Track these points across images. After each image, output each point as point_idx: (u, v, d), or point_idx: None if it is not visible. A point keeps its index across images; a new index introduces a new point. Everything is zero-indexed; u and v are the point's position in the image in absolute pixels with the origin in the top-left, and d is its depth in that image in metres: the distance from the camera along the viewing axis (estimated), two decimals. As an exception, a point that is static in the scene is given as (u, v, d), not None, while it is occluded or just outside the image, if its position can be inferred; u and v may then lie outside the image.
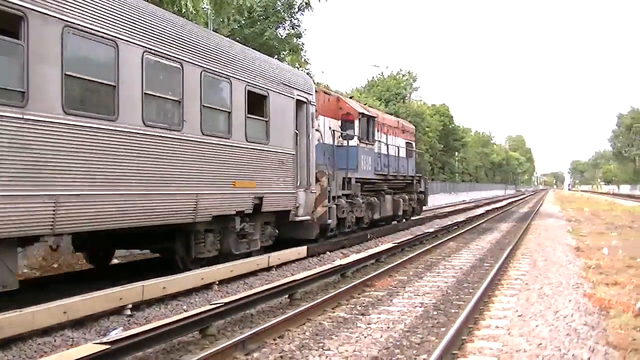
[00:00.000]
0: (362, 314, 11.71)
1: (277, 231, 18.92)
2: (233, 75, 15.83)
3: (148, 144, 12.74)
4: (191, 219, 14.24)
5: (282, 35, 41.81)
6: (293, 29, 42.07)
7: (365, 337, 9.97)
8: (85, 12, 11.25)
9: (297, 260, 18.67)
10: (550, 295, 13.08)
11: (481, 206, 61.46)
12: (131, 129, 12.27)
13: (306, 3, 39.82)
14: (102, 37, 11.66)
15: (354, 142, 26.10)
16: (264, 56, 19.18)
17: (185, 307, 12.36)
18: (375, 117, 29.27)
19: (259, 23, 38.39)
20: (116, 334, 9.52)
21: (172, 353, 9.14)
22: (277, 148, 18.08)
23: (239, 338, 9.11)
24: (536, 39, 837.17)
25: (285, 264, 17.82)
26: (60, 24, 10.68)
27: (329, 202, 22.10)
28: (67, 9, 10.84)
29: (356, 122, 26.50)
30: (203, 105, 14.61)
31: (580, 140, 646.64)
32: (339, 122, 26.07)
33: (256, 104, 17.04)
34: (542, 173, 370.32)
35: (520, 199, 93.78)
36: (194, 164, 14.19)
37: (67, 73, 10.79)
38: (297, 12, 41.18)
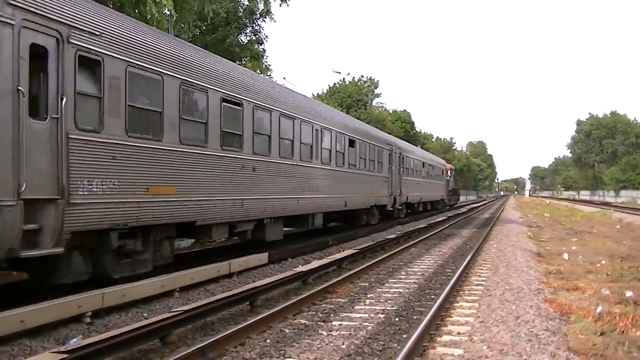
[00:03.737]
0: (324, 321, 11.67)
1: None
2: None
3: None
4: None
5: (243, 42, 41.71)
6: (254, 35, 42.00)
7: (326, 344, 9.93)
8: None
9: (259, 266, 18.55)
10: (511, 300, 13.15)
11: (442, 212, 61.68)
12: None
13: (266, 11, 39.78)
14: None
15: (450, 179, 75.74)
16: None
17: (145, 314, 12.22)
18: (450, 169, 79.40)
19: (220, 29, 38.22)
20: (75, 342, 9.39)
21: (132, 362, 9.03)
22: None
23: (199, 346, 9.00)
24: (497, 45, 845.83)
25: (246, 270, 17.70)
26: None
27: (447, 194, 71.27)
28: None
29: (449, 172, 75.15)
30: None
31: (540, 146, 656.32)
32: (449, 171, 75.90)
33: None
34: (503, 179, 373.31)
35: (481, 205, 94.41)
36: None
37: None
38: (258, 19, 41.11)
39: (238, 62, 35.62)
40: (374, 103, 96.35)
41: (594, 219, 48.85)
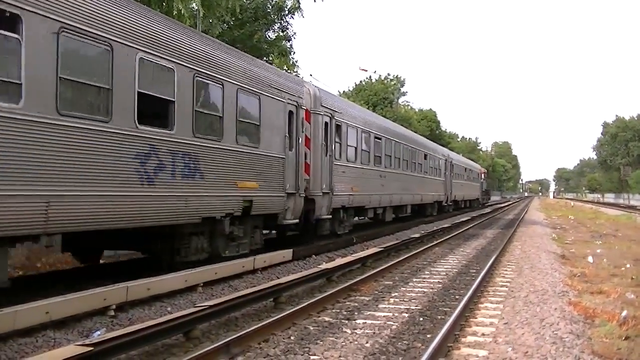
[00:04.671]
0: (348, 319, 11.66)
1: None
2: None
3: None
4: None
5: (271, 38, 41.70)
6: (282, 31, 41.97)
7: (350, 342, 9.91)
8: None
9: (283, 263, 18.59)
10: (535, 303, 13.07)
11: (466, 212, 61.49)
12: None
13: (296, 7, 39.74)
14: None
15: (483, 181, 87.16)
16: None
17: (169, 309, 12.28)
18: (484, 172, 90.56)
19: (248, 25, 38.24)
20: (99, 335, 9.44)
21: (156, 356, 9.07)
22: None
23: (223, 341, 9.02)
24: (524, 46, 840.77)
25: (270, 266, 17.74)
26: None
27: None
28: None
29: (482, 175, 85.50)
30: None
31: (565, 148, 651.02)
32: (483, 174, 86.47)
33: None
34: (528, 180, 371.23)
35: (505, 206, 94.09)
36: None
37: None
38: (287, 15, 41.07)
39: (265, 59, 35.63)
40: (400, 101, 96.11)
41: (618, 222, 48.45)
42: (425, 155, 43.44)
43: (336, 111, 24.57)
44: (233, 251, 17.04)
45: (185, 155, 14.25)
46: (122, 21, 12.30)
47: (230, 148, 16.25)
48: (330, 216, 23.86)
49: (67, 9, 10.84)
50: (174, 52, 13.98)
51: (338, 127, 24.66)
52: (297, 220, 20.76)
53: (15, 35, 9.88)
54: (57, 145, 10.67)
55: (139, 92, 12.75)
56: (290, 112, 20.03)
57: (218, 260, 15.97)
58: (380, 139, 31.19)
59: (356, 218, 30.51)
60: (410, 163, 38.50)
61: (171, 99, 13.91)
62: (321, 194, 22.66)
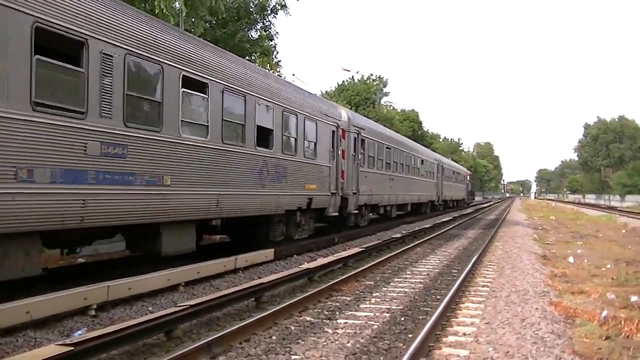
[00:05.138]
0: (329, 319, 11.67)
1: None
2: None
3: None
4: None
5: (253, 37, 41.61)
6: (265, 31, 41.89)
7: (332, 342, 9.92)
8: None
9: (265, 262, 18.57)
10: (517, 303, 13.13)
11: (448, 212, 61.68)
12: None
13: (282, 5, 39.74)
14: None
15: (469, 183, 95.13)
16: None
17: (150, 308, 12.24)
18: (470, 175, 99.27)
19: (230, 24, 38.14)
20: (80, 334, 9.40)
21: (137, 355, 9.05)
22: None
23: (204, 341, 9.01)
24: (507, 47, 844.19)
25: (252, 266, 17.72)
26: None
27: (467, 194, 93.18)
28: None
29: (468, 177, 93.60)
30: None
31: (547, 149, 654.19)
32: (468, 176, 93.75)
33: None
34: (509, 181, 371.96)
35: (487, 206, 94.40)
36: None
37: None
38: (269, 14, 41.01)
39: (248, 58, 35.56)
40: (382, 102, 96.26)
41: (599, 223, 48.72)
42: (422, 161, 50.56)
43: (362, 129, 31.25)
44: (300, 235, 23.39)
45: (278, 166, 20.19)
46: (255, 82, 18.99)
47: (301, 161, 22.53)
48: (357, 211, 30.10)
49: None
50: (274, 96, 20.13)
51: (362, 141, 31.02)
52: (337, 213, 27.28)
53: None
54: (223, 161, 16.62)
55: (257, 125, 18.66)
56: (333, 132, 26.45)
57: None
58: (390, 148, 37.78)
59: (370, 214, 35.74)
60: (411, 168, 45.13)
61: (271, 128, 19.83)
62: (351, 194, 28.74)
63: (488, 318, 11.69)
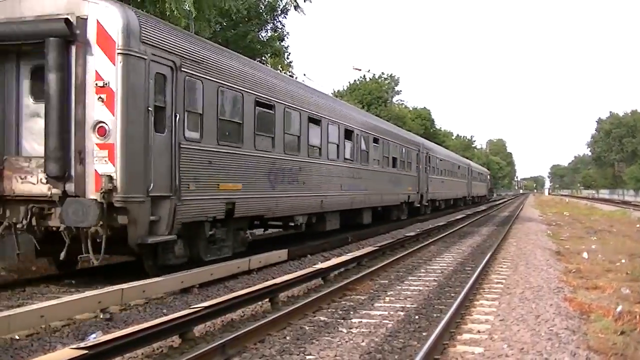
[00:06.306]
0: (344, 318, 11.65)
1: None
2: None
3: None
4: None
5: (264, 38, 41.65)
6: (275, 31, 41.93)
7: (346, 341, 9.90)
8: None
9: (278, 263, 18.57)
10: (531, 299, 13.10)
11: (461, 210, 61.57)
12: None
13: (295, 5, 39.82)
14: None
15: (489, 181, 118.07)
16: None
17: (165, 310, 12.24)
18: (490, 174, 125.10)
19: (241, 25, 38.19)
20: (94, 338, 9.42)
21: (152, 358, 9.05)
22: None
23: (219, 342, 9.01)
24: (519, 44, 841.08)
25: (266, 267, 17.72)
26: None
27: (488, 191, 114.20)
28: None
29: (488, 177, 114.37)
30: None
31: (560, 144, 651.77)
32: (488, 176, 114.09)
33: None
34: (523, 177, 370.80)
35: (500, 203, 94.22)
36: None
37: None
38: (280, 15, 41.05)
39: (258, 59, 35.57)
40: (394, 100, 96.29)
41: (613, 218, 48.59)
42: (459, 167, 66.53)
43: (430, 149, 48.10)
44: (405, 216, 38.75)
45: (399, 178, 36.12)
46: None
47: (400, 173, 36.64)
48: (427, 204, 44.89)
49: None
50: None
51: (429, 158, 46.04)
52: (419, 205, 42.03)
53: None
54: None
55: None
56: (416, 154, 41.75)
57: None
58: (442, 160, 53.60)
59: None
60: (453, 173, 61.23)
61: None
62: (425, 192, 43.43)
63: (502, 315, 11.66)
